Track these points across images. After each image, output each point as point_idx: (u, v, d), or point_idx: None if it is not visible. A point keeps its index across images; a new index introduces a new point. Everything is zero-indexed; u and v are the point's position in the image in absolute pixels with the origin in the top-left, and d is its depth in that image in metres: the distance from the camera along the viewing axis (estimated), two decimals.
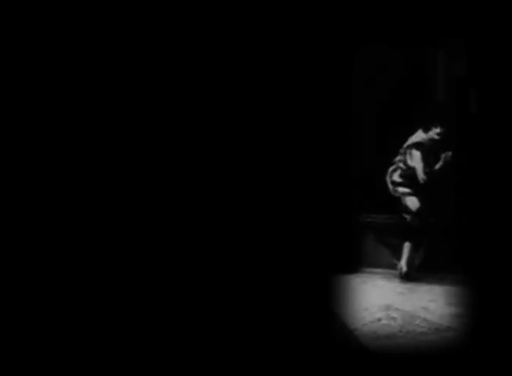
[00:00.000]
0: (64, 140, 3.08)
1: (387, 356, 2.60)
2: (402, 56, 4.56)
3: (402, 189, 4.15)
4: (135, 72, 3.21)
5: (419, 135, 4.12)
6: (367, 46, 4.35)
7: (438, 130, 4.04)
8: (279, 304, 3.08)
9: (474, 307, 3.05)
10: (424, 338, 2.76)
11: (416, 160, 4.07)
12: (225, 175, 3.42)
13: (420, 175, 4.04)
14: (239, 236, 3.39)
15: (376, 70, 4.62)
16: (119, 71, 3.17)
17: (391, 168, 4.25)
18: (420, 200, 4.08)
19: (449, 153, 4.00)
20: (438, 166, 4.06)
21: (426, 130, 4.09)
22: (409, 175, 4.13)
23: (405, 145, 4.17)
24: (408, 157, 4.13)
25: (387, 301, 3.43)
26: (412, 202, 4.10)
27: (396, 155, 4.23)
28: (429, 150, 4.09)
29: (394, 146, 4.24)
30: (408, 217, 4.12)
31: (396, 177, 4.19)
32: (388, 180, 4.25)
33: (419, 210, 4.06)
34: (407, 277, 4.04)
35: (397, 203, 4.21)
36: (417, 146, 4.08)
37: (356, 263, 4.30)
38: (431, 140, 4.07)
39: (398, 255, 4.19)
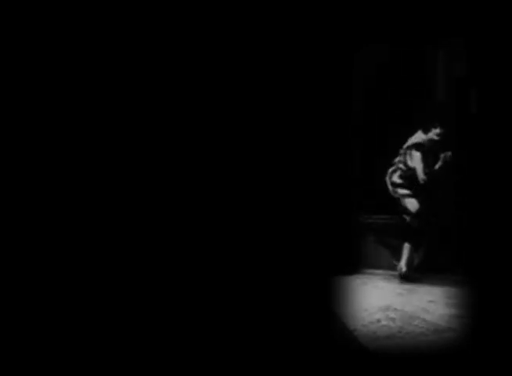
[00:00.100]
0: (64, 140, 3.07)
1: (387, 356, 2.59)
2: (402, 56, 4.55)
3: (401, 191, 4.15)
4: (135, 72, 3.21)
5: (419, 136, 4.12)
6: (367, 46, 4.35)
7: (437, 130, 4.04)
8: (280, 304, 3.07)
9: (474, 308, 3.04)
10: (424, 339, 2.75)
11: (416, 160, 4.06)
12: (226, 176, 3.42)
13: (420, 175, 4.04)
14: (239, 236, 3.39)
15: (376, 70, 4.62)
16: (119, 71, 3.17)
17: (390, 169, 4.24)
18: (420, 202, 4.07)
19: (449, 153, 3.99)
20: (437, 166, 4.06)
21: (426, 131, 4.09)
22: (408, 176, 4.13)
23: (405, 146, 4.17)
24: (408, 157, 4.13)
25: (386, 301, 3.43)
26: (412, 204, 4.09)
27: (396, 156, 4.23)
28: (429, 151, 4.08)
29: (394, 146, 4.24)
30: (407, 218, 4.12)
31: (396, 178, 4.19)
32: (388, 181, 4.24)
33: (418, 211, 4.05)
34: (407, 278, 4.04)
35: (397, 204, 4.21)
36: (417, 146, 4.08)
37: (356, 264, 4.29)
38: (431, 141, 4.07)
39: (397, 256, 4.18)
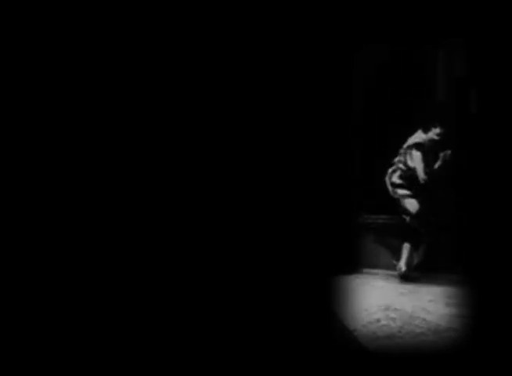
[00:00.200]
0: (64, 140, 3.07)
1: (387, 356, 2.60)
2: (402, 56, 4.55)
3: (401, 192, 4.14)
4: (135, 72, 3.21)
5: (419, 136, 4.12)
6: (367, 46, 4.35)
7: (438, 130, 4.04)
8: (280, 304, 3.07)
9: (474, 307, 3.04)
10: (424, 339, 2.76)
11: (416, 160, 4.06)
12: (226, 177, 3.42)
13: (421, 175, 4.03)
14: (239, 236, 3.39)
15: (376, 70, 4.62)
16: (119, 72, 3.17)
17: (390, 169, 4.24)
18: (420, 202, 4.07)
19: (448, 152, 3.99)
20: (437, 165, 4.06)
21: (426, 130, 4.09)
22: (408, 176, 4.12)
23: (405, 145, 4.16)
24: (408, 157, 4.12)
25: (386, 301, 3.43)
26: (412, 205, 4.09)
27: (396, 156, 4.23)
28: (429, 150, 4.08)
29: (394, 146, 4.24)
30: (407, 218, 4.12)
31: (396, 178, 4.18)
32: (388, 181, 4.24)
33: (418, 212, 4.05)
34: (406, 278, 4.04)
35: (396, 204, 4.20)
36: (417, 146, 4.07)
37: (356, 264, 4.30)
38: (431, 140, 4.06)
39: (397, 256, 4.18)
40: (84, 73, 3.10)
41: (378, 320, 3.04)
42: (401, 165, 4.16)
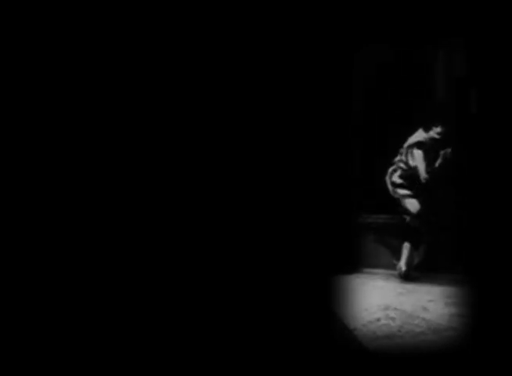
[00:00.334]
0: (64, 141, 3.08)
1: (387, 355, 2.60)
2: (402, 56, 4.55)
3: (401, 191, 4.13)
4: (135, 72, 3.21)
5: (419, 135, 4.11)
6: (367, 46, 4.35)
7: (438, 129, 4.02)
8: (280, 304, 3.08)
9: (474, 307, 3.04)
10: (424, 338, 2.76)
11: (417, 159, 4.04)
12: (226, 176, 3.42)
13: (422, 174, 4.02)
14: (239, 236, 3.39)
15: (376, 70, 4.62)
16: (119, 72, 3.17)
17: (390, 169, 4.23)
18: (421, 202, 4.06)
19: (449, 150, 3.99)
20: (437, 163, 4.05)
21: (426, 129, 4.08)
22: (409, 176, 4.12)
23: (406, 144, 4.15)
24: (409, 156, 4.11)
25: (386, 301, 3.43)
26: (413, 205, 4.08)
27: (396, 156, 4.22)
28: (430, 149, 4.07)
29: (394, 146, 4.24)
30: (407, 218, 4.11)
31: (396, 178, 4.18)
32: (388, 181, 4.23)
33: (419, 212, 4.04)
34: (406, 277, 4.04)
35: (397, 204, 4.20)
36: (419, 145, 4.06)
37: (356, 263, 4.30)
38: (432, 139, 4.05)
39: (397, 256, 4.18)
40: (84, 73, 3.10)
41: (378, 320, 3.04)
42: (401, 165, 4.16)
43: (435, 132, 4.03)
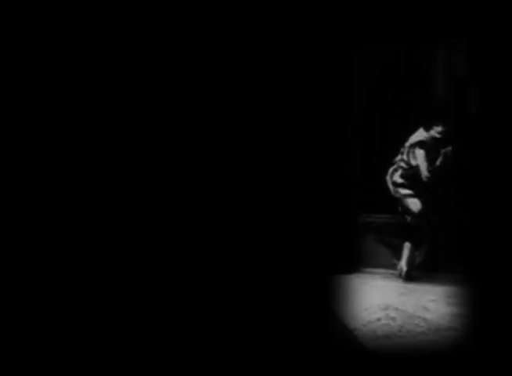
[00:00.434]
0: (64, 141, 3.08)
1: (387, 355, 2.60)
2: (402, 56, 4.56)
3: (403, 191, 4.13)
4: (135, 72, 3.21)
5: (420, 134, 4.10)
6: (367, 46, 4.35)
7: (439, 128, 4.02)
8: (280, 304, 3.08)
9: (475, 306, 3.04)
10: (424, 338, 2.76)
11: (419, 158, 4.03)
12: (226, 176, 3.42)
13: (424, 173, 4.01)
14: (239, 236, 3.39)
15: (376, 70, 4.62)
16: (119, 72, 3.17)
17: (391, 168, 4.23)
18: (422, 202, 4.06)
19: (449, 148, 3.98)
20: (438, 162, 4.04)
21: (427, 128, 4.07)
22: (410, 175, 4.11)
23: (407, 144, 4.14)
24: (411, 156, 4.10)
25: (386, 301, 3.43)
26: (414, 204, 4.07)
27: (396, 155, 4.22)
28: (431, 149, 4.07)
29: (394, 146, 4.23)
30: (408, 217, 4.11)
31: (397, 177, 4.17)
32: (389, 180, 4.23)
33: (421, 211, 4.04)
34: (407, 277, 4.04)
35: (397, 203, 4.20)
36: (421, 144, 4.05)
37: (356, 263, 4.29)
38: (433, 138, 4.05)
39: (398, 255, 4.18)
40: (84, 73, 3.10)
41: (378, 320, 3.04)
42: (402, 164, 4.15)
43: (436, 131, 4.03)
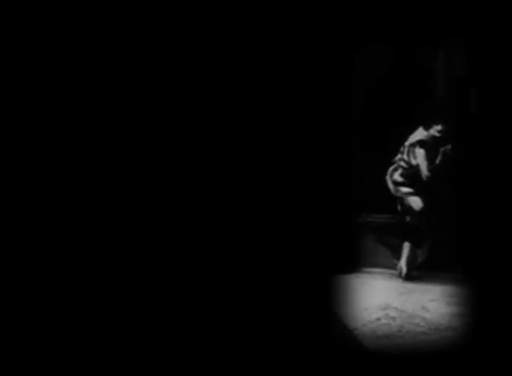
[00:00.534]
0: (64, 141, 3.08)
1: (387, 355, 2.60)
2: (402, 56, 4.56)
3: (404, 189, 4.12)
4: (135, 72, 3.21)
5: (420, 133, 4.10)
6: (367, 46, 4.35)
7: (439, 127, 4.02)
8: (280, 304, 3.08)
9: (475, 306, 3.05)
10: (424, 338, 2.76)
11: (420, 157, 4.03)
12: (226, 176, 3.42)
13: (424, 172, 4.01)
14: (239, 236, 3.39)
15: (376, 70, 4.62)
16: (119, 72, 3.17)
17: (391, 168, 4.23)
18: (423, 200, 4.05)
19: (449, 147, 3.98)
20: (438, 160, 4.04)
21: (427, 127, 4.07)
22: (410, 174, 4.11)
23: (407, 143, 4.14)
24: (411, 155, 4.10)
25: (386, 301, 3.43)
26: (416, 202, 4.06)
27: (396, 155, 4.22)
28: (431, 148, 4.07)
29: (394, 146, 4.23)
30: (408, 217, 4.11)
31: (397, 176, 4.17)
32: (389, 180, 4.22)
33: (423, 209, 4.03)
34: (407, 277, 4.04)
35: (398, 203, 4.20)
36: (421, 143, 4.05)
37: (356, 263, 4.29)
38: (433, 137, 4.05)
39: (398, 255, 4.18)
40: (84, 73, 3.10)
41: (378, 319, 3.04)
42: (402, 163, 4.15)
43: (436, 130, 4.03)
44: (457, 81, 4.30)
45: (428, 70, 4.50)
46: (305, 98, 3.76)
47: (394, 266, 4.18)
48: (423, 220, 4.06)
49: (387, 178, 4.24)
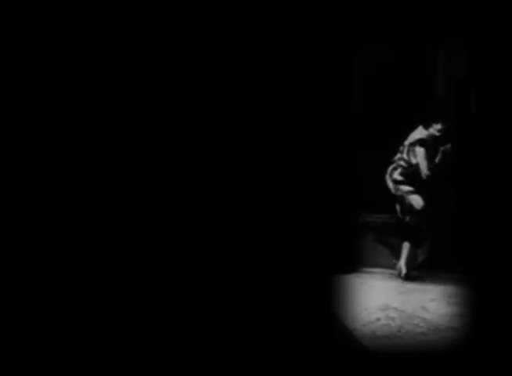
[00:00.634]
0: (64, 141, 3.08)
1: (387, 356, 2.60)
2: (402, 56, 4.56)
3: (404, 188, 4.12)
4: (135, 72, 3.21)
5: (420, 132, 4.10)
6: (367, 46, 4.35)
7: (438, 126, 4.02)
8: (279, 304, 3.08)
9: (474, 306, 3.05)
10: (423, 338, 2.76)
11: (420, 156, 4.03)
12: (225, 176, 3.42)
13: (424, 171, 4.01)
14: (239, 236, 3.39)
15: (376, 70, 4.62)
16: (119, 72, 3.17)
17: (390, 167, 4.23)
18: (424, 199, 4.05)
19: (448, 146, 3.98)
20: (437, 159, 4.04)
21: (426, 126, 4.07)
22: (410, 173, 4.10)
23: (407, 142, 4.14)
24: (411, 154, 4.10)
25: (386, 301, 3.43)
26: (416, 201, 4.06)
27: (396, 154, 4.22)
28: (430, 147, 4.07)
29: (394, 146, 4.24)
30: (408, 216, 4.11)
31: (397, 175, 4.16)
32: (389, 179, 4.22)
33: (423, 208, 4.03)
34: (406, 277, 4.04)
35: (398, 202, 4.20)
36: (421, 142, 4.05)
37: (356, 263, 4.29)
38: (432, 136, 4.05)
39: (397, 255, 4.18)
40: (84, 73, 3.10)
41: (378, 320, 3.04)
42: (402, 162, 4.15)
43: (435, 129, 4.03)
44: (457, 81, 4.30)
45: (428, 70, 4.50)
46: (305, 98, 3.76)
47: (393, 266, 4.18)
48: (423, 219, 4.06)
49: (387, 177, 4.24)
